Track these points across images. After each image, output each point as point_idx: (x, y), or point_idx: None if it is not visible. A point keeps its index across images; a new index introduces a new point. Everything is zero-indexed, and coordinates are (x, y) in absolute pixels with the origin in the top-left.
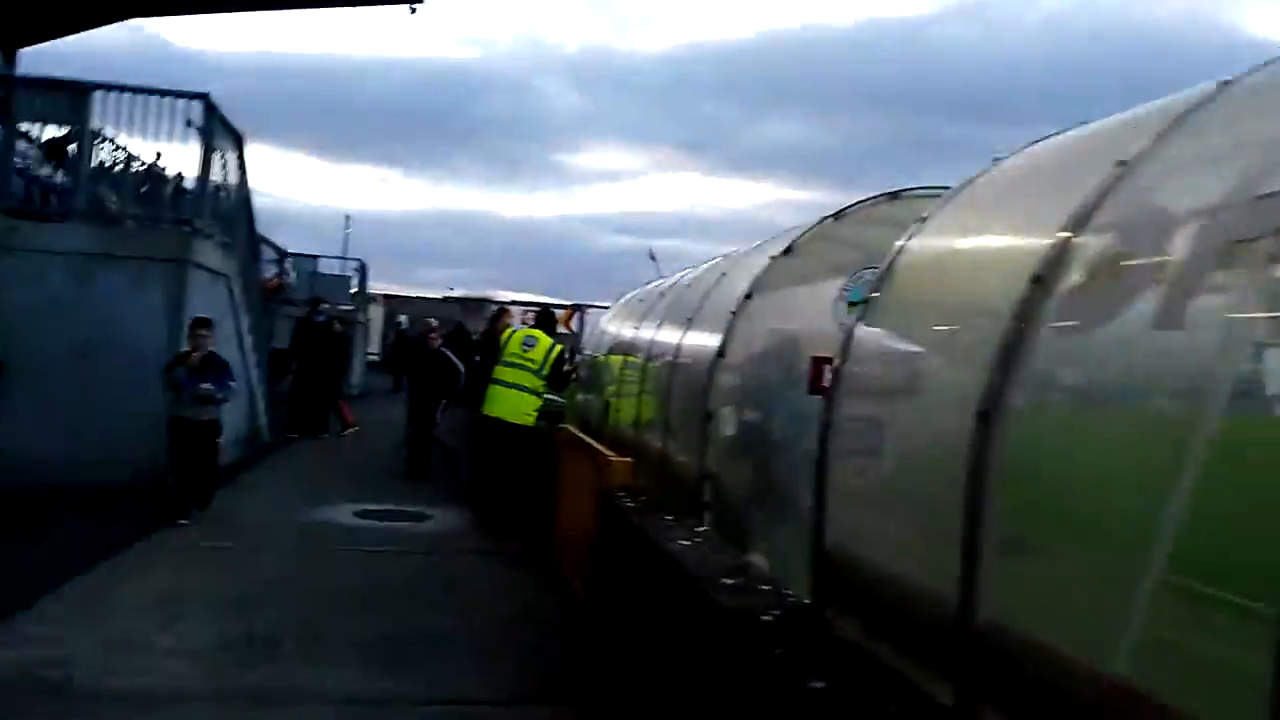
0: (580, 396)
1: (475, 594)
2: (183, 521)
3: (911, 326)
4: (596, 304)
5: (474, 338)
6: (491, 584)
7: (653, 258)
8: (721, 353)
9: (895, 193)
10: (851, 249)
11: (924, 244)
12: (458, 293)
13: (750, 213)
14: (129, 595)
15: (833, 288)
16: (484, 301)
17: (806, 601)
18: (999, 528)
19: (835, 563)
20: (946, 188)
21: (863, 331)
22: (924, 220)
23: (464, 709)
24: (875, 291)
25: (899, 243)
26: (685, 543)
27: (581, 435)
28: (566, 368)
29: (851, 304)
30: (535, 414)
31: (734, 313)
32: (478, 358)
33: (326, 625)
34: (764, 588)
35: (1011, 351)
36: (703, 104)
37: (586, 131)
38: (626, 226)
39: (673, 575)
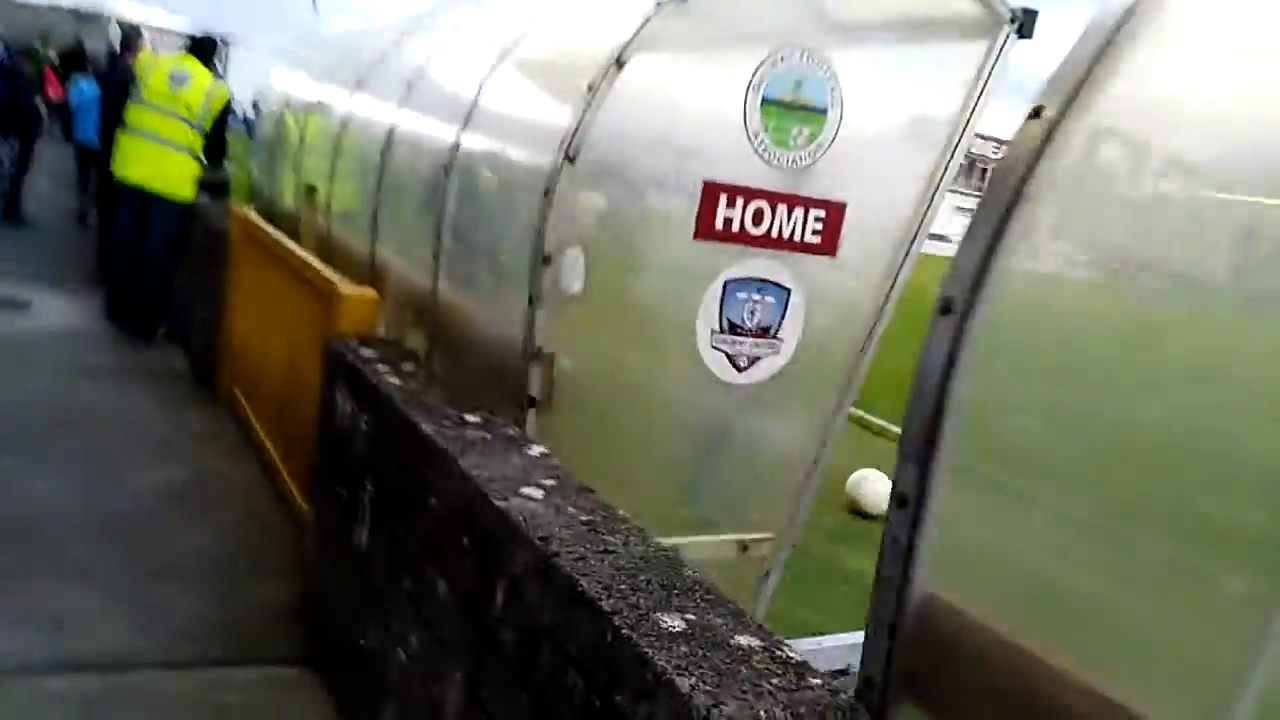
0: (255, 168)
1: (122, 450)
2: None
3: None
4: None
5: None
6: (143, 428)
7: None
8: (571, 155)
9: None
10: (759, 18)
11: None
12: (69, 2)
13: None
14: None
15: (741, 75)
16: (106, 18)
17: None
18: None
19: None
20: None
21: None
22: None
23: (112, 679)
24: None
25: None
26: (534, 493)
27: (277, 234)
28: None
29: (765, 103)
30: (193, 184)
31: (591, 88)
32: (86, 81)
33: None
34: (750, 642)
35: None
36: None
37: None
38: None
39: (535, 570)
